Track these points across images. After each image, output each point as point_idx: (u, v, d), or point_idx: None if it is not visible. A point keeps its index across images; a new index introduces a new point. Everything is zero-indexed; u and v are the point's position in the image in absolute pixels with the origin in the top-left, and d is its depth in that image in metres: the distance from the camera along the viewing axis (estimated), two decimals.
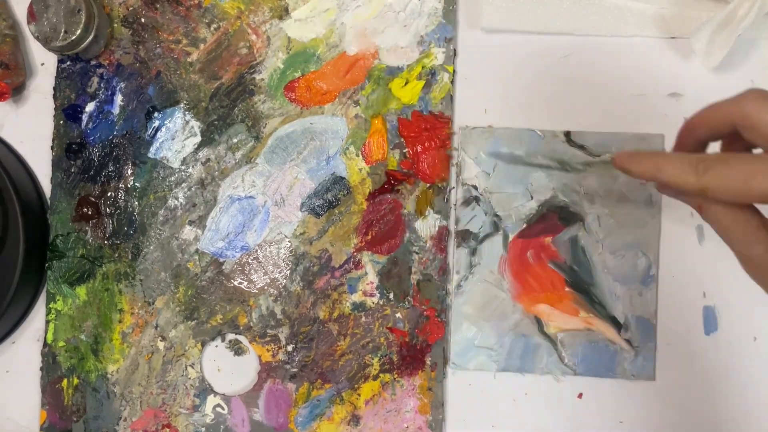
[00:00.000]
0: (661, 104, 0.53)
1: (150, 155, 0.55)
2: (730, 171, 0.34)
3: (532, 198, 0.53)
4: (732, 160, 0.34)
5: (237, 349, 0.54)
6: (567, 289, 0.52)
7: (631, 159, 0.38)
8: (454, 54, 0.54)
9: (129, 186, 0.55)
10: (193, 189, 0.55)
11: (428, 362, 0.53)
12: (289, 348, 0.54)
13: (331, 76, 0.55)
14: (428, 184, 0.53)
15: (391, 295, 0.53)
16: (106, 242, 0.55)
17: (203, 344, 0.54)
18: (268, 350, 0.54)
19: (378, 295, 0.53)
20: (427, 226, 0.53)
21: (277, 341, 0.54)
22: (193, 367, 0.54)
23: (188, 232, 0.55)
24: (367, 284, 0.53)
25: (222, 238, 0.55)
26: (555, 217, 0.52)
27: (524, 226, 0.53)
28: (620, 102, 0.53)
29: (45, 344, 0.55)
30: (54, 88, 0.56)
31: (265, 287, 0.54)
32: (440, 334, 0.53)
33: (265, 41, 0.55)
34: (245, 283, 0.54)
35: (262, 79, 0.55)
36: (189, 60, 0.56)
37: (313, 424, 0.53)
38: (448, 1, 0.54)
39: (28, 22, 0.53)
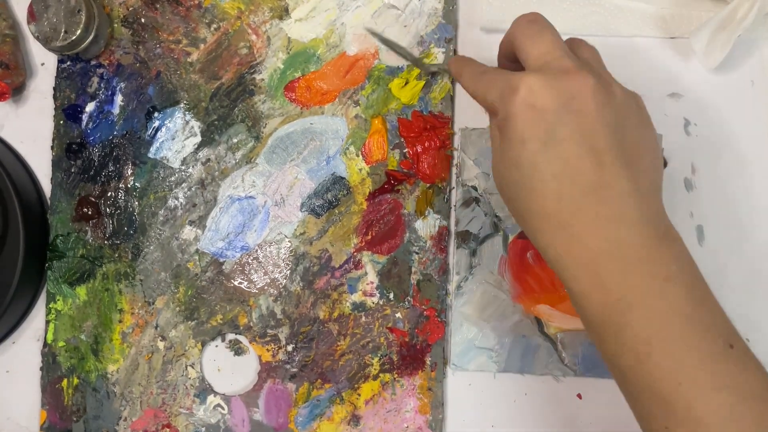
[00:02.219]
0: (661, 104, 0.53)
1: (150, 155, 0.55)
2: (479, 85, 0.41)
3: None
4: (486, 74, 0.41)
5: (237, 349, 0.54)
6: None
7: (455, 61, 0.46)
8: (454, 54, 0.54)
9: (129, 186, 0.55)
10: (193, 189, 0.55)
11: (428, 362, 0.53)
12: (289, 348, 0.54)
13: (331, 76, 0.55)
14: (428, 184, 0.53)
15: (391, 295, 0.53)
16: (106, 242, 0.55)
17: (203, 344, 0.54)
18: (268, 350, 0.54)
19: (378, 295, 0.53)
20: (427, 226, 0.53)
21: (277, 341, 0.54)
22: (193, 367, 0.54)
23: (188, 232, 0.55)
24: (367, 284, 0.53)
25: (222, 238, 0.55)
26: None
27: None
28: None
29: (45, 344, 0.55)
30: (54, 88, 0.56)
31: (265, 287, 0.54)
32: (440, 334, 0.53)
33: (265, 41, 0.55)
34: (245, 283, 0.54)
35: (262, 79, 0.55)
36: (189, 60, 0.56)
37: (313, 424, 0.53)
38: (448, 1, 0.54)
39: (28, 22, 0.53)
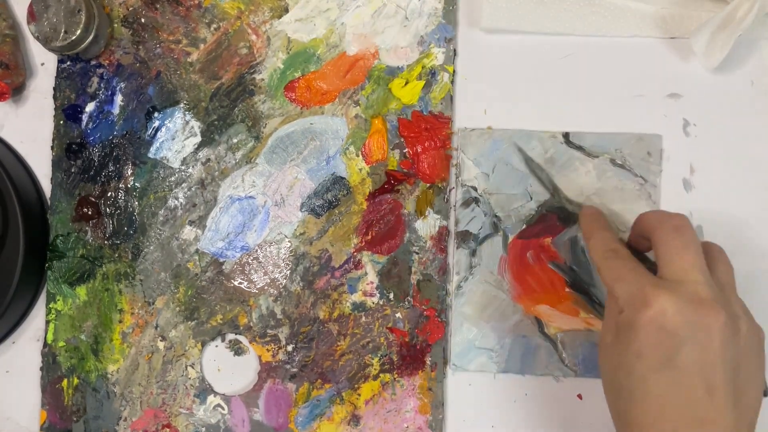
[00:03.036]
0: (661, 105, 0.53)
1: (150, 155, 0.55)
2: (610, 266, 0.43)
3: (531, 199, 0.53)
4: (618, 258, 0.43)
5: (237, 349, 0.54)
6: (567, 289, 0.52)
7: (587, 215, 0.48)
8: (454, 54, 0.54)
9: (129, 186, 0.55)
10: (193, 189, 0.55)
11: (428, 362, 0.53)
12: (289, 348, 0.54)
13: (331, 76, 0.55)
14: (428, 184, 0.53)
15: (391, 295, 0.53)
16: (106, 242, 0.55)
17: (203, 344, 0.54)
18: (268, 350, 0.54)
19: (378, 295, 0.53)
20: (427, 226, 0.53)
21: (277, 341, 0.54)
22: (193, 367, 0.54)
23: (188, 232, 0.55)
24: (367, 284, 0.53)
25: (222, 238, 0.55)
26: (554, 217, 0.52)
27: (524, 226, 0.53)
28: (619, 102, 0.53)
29: (45, 344, 0.55)
30: (54, 88, 0.56)
31: (265, 287, 0.54)
32: (440, 334, 0.53)
33: (265, 41, 0.55)
34: (245, 283, 0.54)
35: (262, 79, 0.55)
36: (189, 60, 0.56)
37: (313, 424, 0.53)
38: (448, 1, 0.54)
39: (28, 22, 0.53)
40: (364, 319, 0.53)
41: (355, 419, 0.53)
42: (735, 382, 0.39)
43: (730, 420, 0.38)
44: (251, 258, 0.54)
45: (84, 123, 0.56)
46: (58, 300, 0.55)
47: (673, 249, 0.41)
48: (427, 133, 0.54)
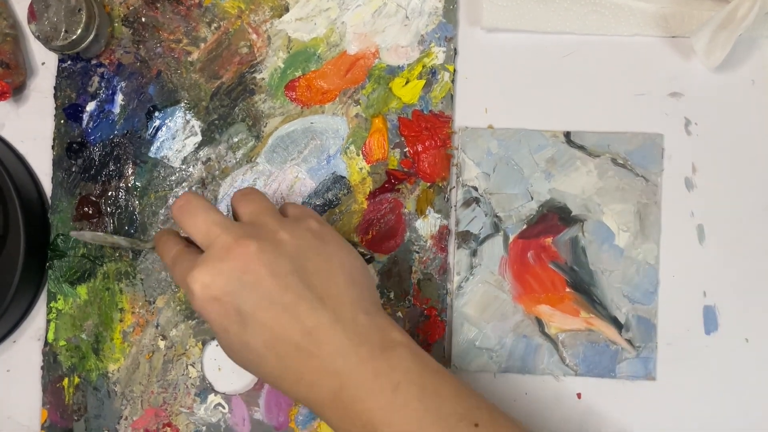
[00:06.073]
0: (662, 104, 0.53)
1: (151, 154, 0.55)
2: (172, 272, 0.44)
3: (532, 199, 0.53)
4: (175, 264, 0.43)
5: None
6: (567, 289, 0.52)
7: (158, 241, 0.47)
8: (455, 53, 0.54)
9: (130, 185, 0.55)
10: (193, 188, 0.55)
11: None
12: None
13: (331, 76, 0.55)
14: (429, 184, 0.53)
15: (392, 295, 0.53)
16: None
17: (204, 343, 0.55)
18: None
19: (378, 294, 0.53)
20: (427, 225, 0.53)
21: None
22: (193, 366, 0.54)
23: None
24: None
25: None
26: (555, 217, 0.52)
27: (525, 226, 0.53)
28: (620, 102, 0.53)
29: (46, 343, 0.55)
30: (55, 88, 0.56)
31: None
32: (440, 334, 0.53)
33: (266, 40, 0.55)
34: None
35: (263, 79, 0.55)
36: (189, 59, 0.56)
37: (314, 423, 0.53)
38: (448, 0, 0.54)
39: (29, 22, 0.53)
40: None
41: None
42: (311, 285, 0.40)
43: (325, 319, 0.39)
44: None
45: (85, 122, 0.56)
46: (59, 299, 0.55)
47: (187, 226, 0.42)
48: (427, 133, 0.53)
